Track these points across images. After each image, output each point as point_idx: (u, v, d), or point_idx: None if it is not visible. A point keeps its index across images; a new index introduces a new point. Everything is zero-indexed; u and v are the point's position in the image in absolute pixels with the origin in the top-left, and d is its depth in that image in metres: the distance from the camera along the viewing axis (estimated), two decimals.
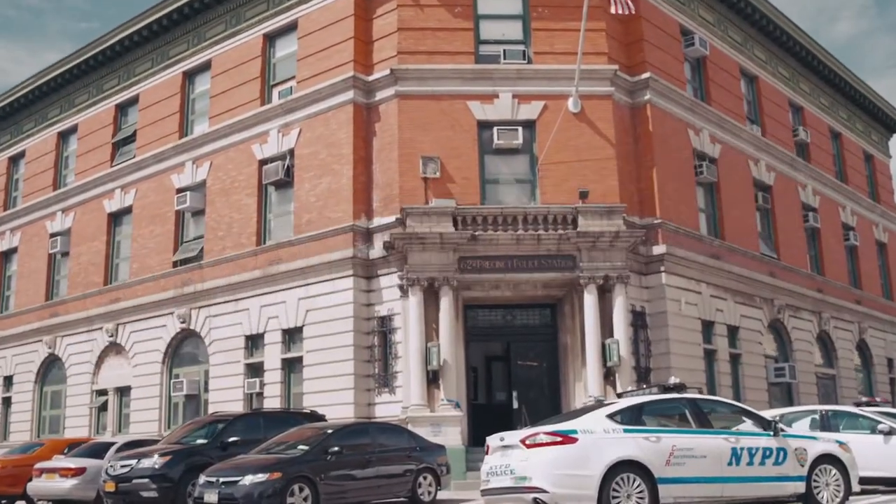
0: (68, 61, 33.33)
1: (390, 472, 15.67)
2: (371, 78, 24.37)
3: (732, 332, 26.43)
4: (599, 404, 11.71)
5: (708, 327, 25.32)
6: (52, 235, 33.18)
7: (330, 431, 15.09)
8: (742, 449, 11.37)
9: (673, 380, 12.44)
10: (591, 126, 23.90)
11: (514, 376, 23.71)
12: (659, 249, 23.85)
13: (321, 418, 18.33)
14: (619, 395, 12.91)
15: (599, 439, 10.65)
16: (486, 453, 11.79)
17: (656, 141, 24.83)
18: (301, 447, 14.68)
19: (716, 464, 11.12)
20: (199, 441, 16.73)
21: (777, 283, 28.78)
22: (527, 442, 10.76)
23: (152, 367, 27.87)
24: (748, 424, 12.02)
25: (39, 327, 32.67)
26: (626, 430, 10.89)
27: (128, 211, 30.52)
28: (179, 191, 28.26)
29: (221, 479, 13.86)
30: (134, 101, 31.49)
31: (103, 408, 29.69)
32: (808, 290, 30.86)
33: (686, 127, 26.40)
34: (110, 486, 15.82)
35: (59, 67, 33.70)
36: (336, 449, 14.54)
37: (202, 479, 14.27)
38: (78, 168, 33.16)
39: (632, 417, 11.15)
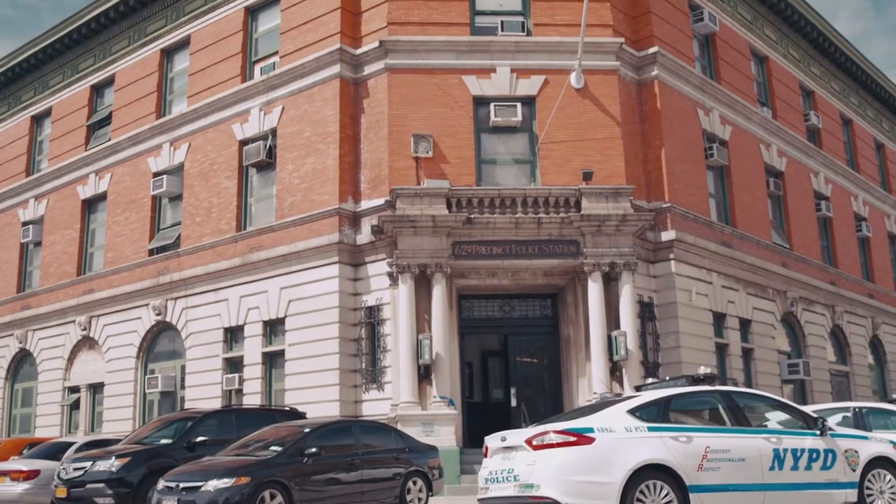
0: (42, 40, 31.54)
1: (376, 476, 13.92)
2: (359, 51, 22.68)
3: (744, 325, 24.78)
4: (619, 398, 9.99)
5: (719, 320, 23.67)
6: (25, 224, 31.42)
7: (307, 431, 13.35)
8: (785, 451, 9.65)
9: (703, 370, 10.71)
10: (594, 103, 22.24)
11: (512, 372, 22.07)
12: (668, 235, 22.18)
13: (301, 416, 16.59)
14: (638, 389, 11.18)
15: (620, 439, 8.95)
16: (485, 456, 10.11)
17: (664, 120, 23.17)
18: (274, 448, 12.95)
19: (756, 468, 9.42)
20: (164, 441, 15.01)
21: (790, 275, 27.15)
22: (534, 442, 9.08)
23: (126, 362, 26.15)
24: (790, 422, 10.32)
25: (11, 321, 30.88)
26: (651, 429, 9.19)
27: (102, 197, 28.77)
28: (156, 175, 26.55)
29: (182, 485, 12.14)
30: (110, 81, 29.74)
31: (76, 406, 27.95)
32: (821, 282, 29.22)
33: (695, 106, 24.74)
34: (61, 492, 14.09)
35: (33, 47, 31.89)
36: (314, 450, 12.82)
37: (161, 484, 12.55)
38: (52, 153, 31.39)
39: (657, 413, 9.43)
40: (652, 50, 23.26)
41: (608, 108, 22.20)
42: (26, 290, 31.26)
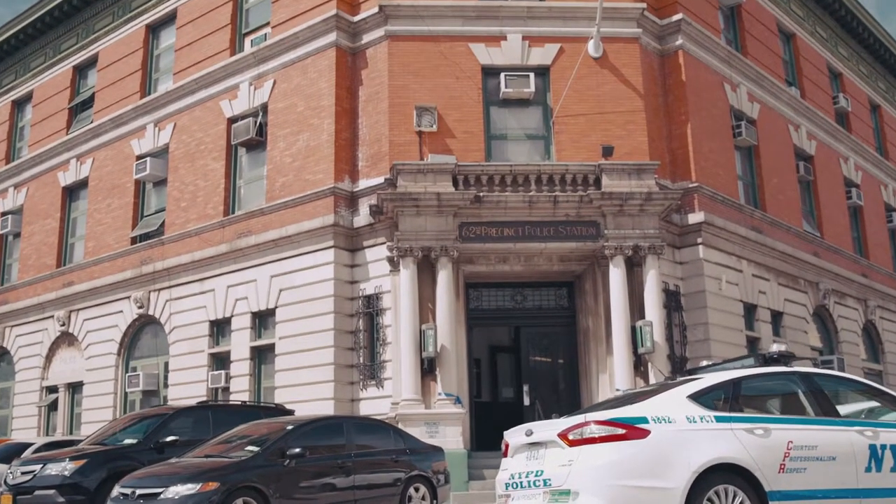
0: (22, 20, 29.66)
1: (371, 481, 11.98)
2: (357, 18, 20.77)
3: (776, 318, 22.77)
4: (675, 382, 7.98)
5: (750, 311, 21.66)
6: (3, 214, 29.47)
7: (290, 428, 11.40)
8: (884, 447, 7.60)
9: (776, 347, 8.67)
10: (614, 73, 20.29)
11: (524, 368, 20.13)
12: (695, 218, 20.21)
13: (289, 414, 14.66)
14: (689, 372, 9.14)
15: (682, 432, 6.95)
16: (504, 455, 8.14)
17: (690, 93, 21.22)
18: (251, 449, 11.02)
19: (849, 469, 7.39)
20: (128, 441, 13.10)
21: (822, 265, 25.14)
22: (570, 436, 7.08)
23: (106, 359, 24.20)
24: (880, 411, 8.29)
25: None
26: (719, 419, 7.19)
27: (84, 184, 26.88)
28: (139, 158, 24.64)
29: (139, 492, 10.23)
30: (93, 61, 27.85)
31: (54, 407, 26.00)
32: (853, 274, 27.21)
33: (722, 81, 22.79)
34: (6, 500, 12.14)
35: (13, 27, 30.01)
36: (297, 451, 10.87)
37: (116, 490, 10.66)
38: (32, 138, 29.50)
39: (725, 399, 7.41)
40: (676, 17, 21.32)
41: (629, 78, 20.27)
42: (5, 283, 29.34)
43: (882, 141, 33.36)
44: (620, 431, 6.87)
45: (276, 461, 10.76)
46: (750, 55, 24.39)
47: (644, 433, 6.86)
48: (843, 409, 7.91)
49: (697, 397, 7.32)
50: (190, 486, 9.92)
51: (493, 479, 17.58)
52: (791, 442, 7.23)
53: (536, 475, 7.25)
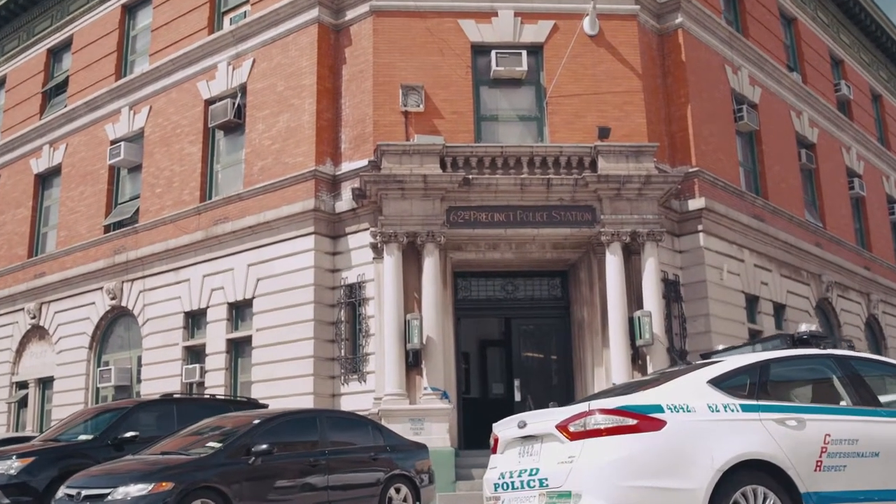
0: None
1: (348, 481, 10.92)
2: None
3: (778, 310, 21.78)
4: (692, 366, 6.91)
5: (752, 303, 20.67)
6: None
7: (256, 423, 10.33)
8: None
9: (806, 327, 7.60)
10: (611, 52, 19.27)
11: (515, 362, 19.13)
12: (696, 204, 19.20)
13: (262, 408, 13.57)
14: (704, 357, 8.07)
15: (703, 423, 5.88)
16: (493, 451, 7.11)
17: (690, 74, 20.21)
18: (212, 445, 9.94)
19: (894, 468, 6.38)
20: (83, 437, 12.00)
21: (824, 256, 24.16)
22: (571, 428, 6.01)
23: (78, 353, 23.07)
24: None
25: None
26: (745, 407, 6.13)
27: (57, 171, 25.73)
28: (114, 142, 23.52)
29: (84, 493, 9.17)
30: (68, 43, 26.72)
31: (24, 403, 24.85)
32: (856, 266, 26.25)
33: (723, 63, 21.79)
34: None
35: None
36: (264, 447, 9.80)
37: (61, 491, 9.59)
38: (5, 124, 28.32)
39: (751, 385, 6.35)
40: None
41: (627, 57, 19.25)
42: None
43: (884, 131, 32.43)
44: (631, 422, 5.81)
45: (239, 459, 9.70)
46: (751, 37, 23.40)
47: (659, 424, 5.80)
48: (883, 398, 6.86)
49: (719, 383, 6.24)
50: (141, 486, 8.86)
51: (482, 480, 16.60)
52: (828, 435, 6.18)
53: (531, 474, 6.19)
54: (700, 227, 19.11)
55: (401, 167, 17.13)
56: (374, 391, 17.12)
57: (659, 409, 5.90)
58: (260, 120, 20.05)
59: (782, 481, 5.90)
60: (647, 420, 5.79)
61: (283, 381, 17.90)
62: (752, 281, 20.60)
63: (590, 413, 5.99)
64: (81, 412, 13.92)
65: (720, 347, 8.31)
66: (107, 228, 23.34)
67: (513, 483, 6.34)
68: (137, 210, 22.54)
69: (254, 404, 13.65)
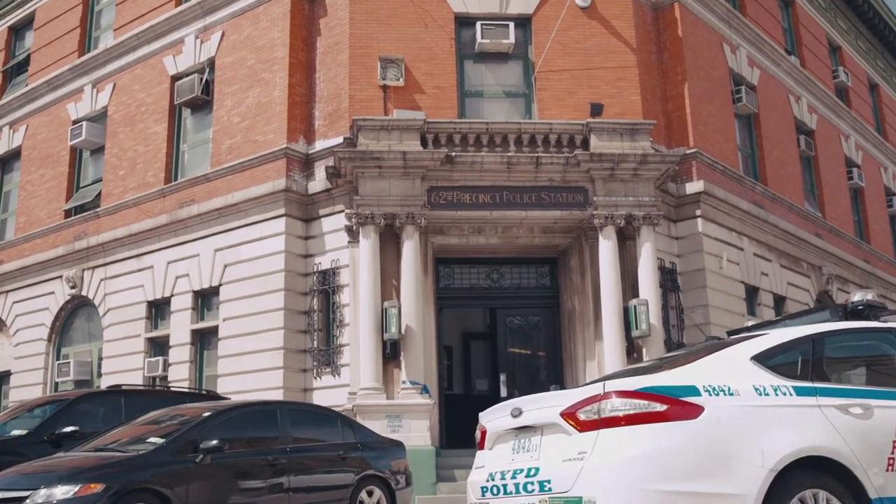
0: None
1: (312, 483, 9.64)
2: None
3: (778, 303, 20.61)
4: (728, 340, 5.62)
5: (752, 294, 19.50)
6: None
7: (207, 415, 9.01)
8: None
9: (860, 296, 6.31)
10: (604, 25, 18.08)
11: (501, 355, 17.87)
12: (694, 187, 18.02)
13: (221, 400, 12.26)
14: (731, 334, 6.77)
15: (749, 409, 4.64)
16: (480, 446, 5.85)
17: (687, 51, 19.05)
18: (154, 441, 8.63)
19: None
20: (17, 432, 10.67)
21: (824, 247, 23.04)
22: (581, 416, 4.74)
23: (36, 345, 21.66)
24: None
25: None
26: (800, 390, 4.89)
27: (17, 154, 24.31)
28: (76, 123, 22.13)
29: (0, 495, 7.81)
30: (30, 20, 25.32)
31: None
32: (856, 259, 25.16)
33: (721, 41, 20.64)
34: None
35: None
36: (214, 444, 8.49)
37: None
38: None
39: (803, 363, 5.11)
40: None
41: (621, 31, 18.06)
42: None
43: (881, 122, 31.38)
44: (659, 408, 4.55)
45: (185, 457, 8.39)
46: (749, 17, 22.25)
47: (695, 410, 4.54)
48: None
49: (765, 360, 4.96)
50: (66, 487, 7.56)
51: (464, 482, 15.25)
52: None
53: (528, 475, 4.90)
54: (698, 212, 17.94)
55: (378, 143, 15.86)
56: (349, 385, 15.85)
57: (694, 391, 4.63)
58: (229, 96, 18.75)
59: (847, 484, 4.66)
60: (679, 405, 4.52)
61: (251, 374, 16.61)
62: (752, 271, 19.44)
63: (605, 396, 4.71)
64: (20, 405, 12.57)
65: (749, 324, 7.05)
66: (67, 213, 21.99)
67: (505, 486, 5.04)
68: (99, 194, 21.18)
69: (214, 397, 12.36)
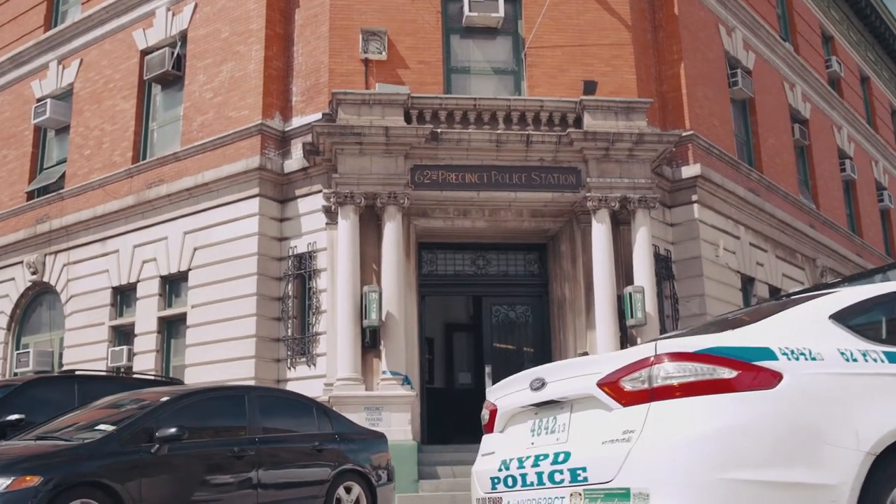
0: None
1: (283, 477, 8.65)
2: None
3: (774, 294, 19.79)
4: (799, 297, 4.65)
5: (746, 285, 18.70)
6: None
7: (164, 400, 8.00)
8: None
9: None
10: (598, 0, 17.19)
11: (486, 346, 16.91)
12: (690, 171, 17.19)
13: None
14: (785, 296, 5.73)
15: (837, 378, 3.69)
16: (488, 429, 4.79)
17: (683, 30, 18.22)
18: (103, 428, 7.62)
19: None
20: None
21: (819, 238, 22.31)
22: (625, 385, 3.72)
23: None
24: None
25: None
26: (891, 356, 3.97)
27: None
28: (40, 100, 21.02)
29: None
30: None
31: None
32: (849, 252, 24.46)
33: (717, 22, 19.84)
34: None
35: None
36: (172, 432, 7.48)
37: None
38: None
39: (889, 324, 4.22)
40: None
41: (615, 6, 17.19)
42: None
43: (871, 115, 30.75)
44: (727, 374, 3.55)
45: (139, 446, 7.39)
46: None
47: (772, 378, 3.56)
48: None
49: (845, 319, 4.02)
50: None
51: (448, 479, 14.31)
52: None
53: (555, 461, 3.88)
54: (694, 198, 17.10)
55: (359, 118, 14.90)
56: (326, 376, 14.86)
57: (770, 353, 3.66)
58: (201, 70, 17.73)
59: None
60: (753, 371, 3.55)
61: (221, 364, 15.59)
62: (748, 260, 18.65)
63: (657, 361, 3.70)
64: None
65: (794, 291, 6.14)
66: (30, 196, 20.87)
67: (524, 476, 4.02)
68: (64, 175, 20.08)
69: (175, 383, 11.34)
